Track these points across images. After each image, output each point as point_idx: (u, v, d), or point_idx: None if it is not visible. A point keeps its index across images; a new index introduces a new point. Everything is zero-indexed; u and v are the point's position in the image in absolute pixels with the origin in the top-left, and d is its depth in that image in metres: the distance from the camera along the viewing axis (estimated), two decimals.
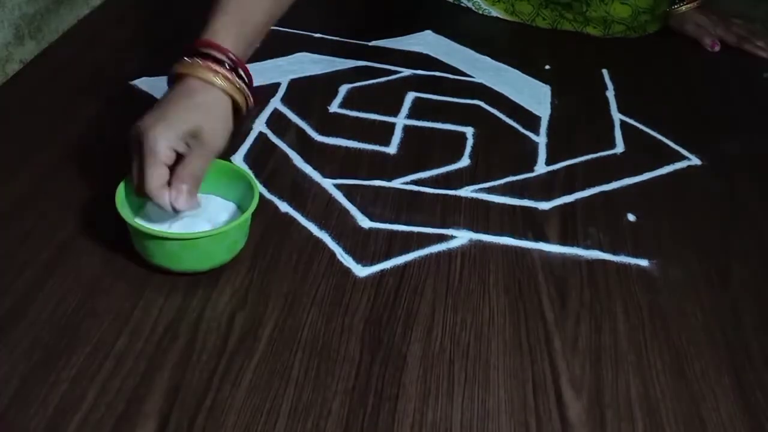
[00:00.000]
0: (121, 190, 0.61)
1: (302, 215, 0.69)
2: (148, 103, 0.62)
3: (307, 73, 0.92)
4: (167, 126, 0.59)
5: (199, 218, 0.62)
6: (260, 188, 0.71)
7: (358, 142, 0.80)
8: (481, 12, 1.12)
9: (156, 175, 0.58)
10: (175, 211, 0.60)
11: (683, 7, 1.10)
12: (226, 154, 0.74)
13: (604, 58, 1.03)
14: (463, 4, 1.13)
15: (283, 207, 0.70)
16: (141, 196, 0.60)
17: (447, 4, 1.13)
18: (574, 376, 0.56)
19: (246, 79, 0.65)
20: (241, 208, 0.65)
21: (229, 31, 0.64)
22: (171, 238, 0.58)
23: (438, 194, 0.74)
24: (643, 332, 0.61)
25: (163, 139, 0.58)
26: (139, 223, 0.60)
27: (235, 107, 0.64)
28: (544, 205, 0.74)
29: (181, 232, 0.60)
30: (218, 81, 0.62)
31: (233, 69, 0.63)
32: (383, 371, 0.55)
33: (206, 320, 0.58)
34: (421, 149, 0.80)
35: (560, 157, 0.81)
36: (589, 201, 0.75)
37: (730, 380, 0.57)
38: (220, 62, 0.62)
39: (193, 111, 0.60)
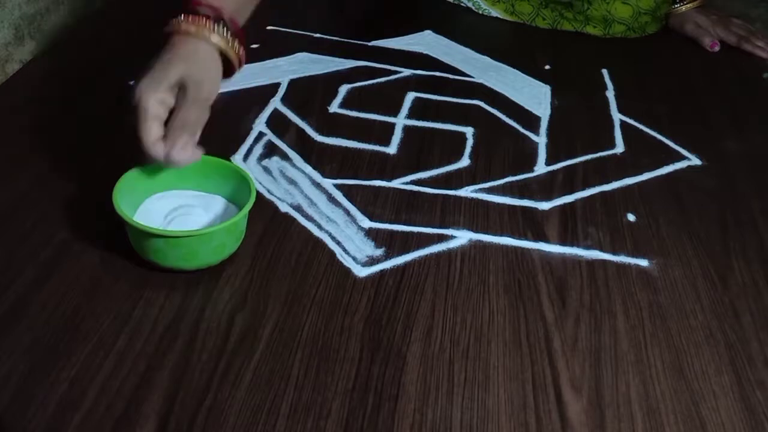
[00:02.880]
0: (119, 186, 0.61)
1: (302, 215, 0.69)
2: None
3: (307, 73, 0.92)
4: (151, 80, 0.60)
5: (195, 217, 0.63)
6: (260, 188, 0.71)
7: (358, 142, 0.80)
8: (481, 12, 1.12)
9: (148, 130, 0.59)
10: (172, 164, 0.60)
11: (683, 7, 1.10)
12: (227, 154, 0.75)
13: (604, 58, 1.03)
14: (463, 4, 1.13)
15: (283, 207, 0.70)
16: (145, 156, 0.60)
17: (447, 4, 1.13)
18: (574, 376, 0.56)
19: (237, 34, 0.65)
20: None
21: None
22: (157, 235, 0.58)
23: (438, 194, 0.74)
24: (643, 332, 0.61)
25: (148, 93, 0.59)
26: (132, 217, 0.60)
27: (226, 61, 0.65)
28: (544, 205, 0.73)
29: (166, 229, 0.60)
30: (201, 31, 0.63)
31: (219, 20, 0.64)
32: (383, 371, 0.55)
33: (206, 320, 0.58)
34: (421, 149, 0.80)
35: (560, 157, 0.81)
36: (589, 201, 0.75)
37: (730, 380, 0.57)
38: (204, 15, 0.63)
39: (176, 61, 0.62)
